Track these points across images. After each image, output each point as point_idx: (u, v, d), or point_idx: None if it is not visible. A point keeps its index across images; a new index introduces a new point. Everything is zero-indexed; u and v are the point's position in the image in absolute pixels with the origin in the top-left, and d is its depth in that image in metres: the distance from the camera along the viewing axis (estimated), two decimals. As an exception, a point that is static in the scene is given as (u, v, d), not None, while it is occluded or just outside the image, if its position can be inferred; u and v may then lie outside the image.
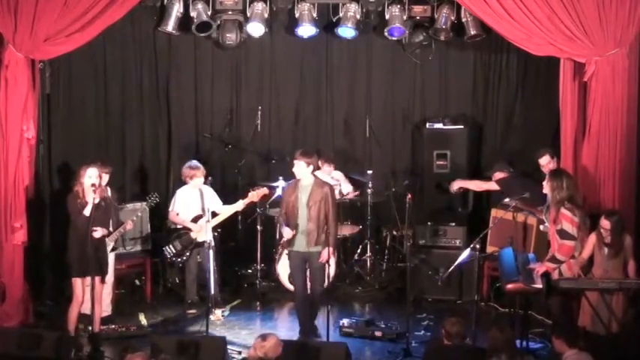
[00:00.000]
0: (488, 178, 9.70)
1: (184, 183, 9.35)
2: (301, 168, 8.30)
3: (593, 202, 8.46)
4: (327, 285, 9.30)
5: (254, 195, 9.25)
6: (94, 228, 7.94)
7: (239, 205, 9.33)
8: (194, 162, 9.38)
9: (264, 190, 9.36)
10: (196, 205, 9.21)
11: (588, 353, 6.57)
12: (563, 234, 7.72)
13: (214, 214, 9.26)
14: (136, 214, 8.97)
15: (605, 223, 7.79)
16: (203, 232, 9.06)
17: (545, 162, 8.90)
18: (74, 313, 8.11)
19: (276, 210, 10.06)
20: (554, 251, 7.83)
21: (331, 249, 8.31)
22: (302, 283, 8.47)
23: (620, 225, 7.82)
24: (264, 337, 6.54)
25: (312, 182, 8.34)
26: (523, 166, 9.75)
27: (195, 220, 9.21)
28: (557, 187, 7.81)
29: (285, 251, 9.56)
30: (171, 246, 9.25)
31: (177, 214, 9.29)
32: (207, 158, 10.27)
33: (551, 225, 7.91)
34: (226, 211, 9.34)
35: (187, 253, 9.22)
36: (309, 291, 8.51)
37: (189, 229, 9.20)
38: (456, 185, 9.74)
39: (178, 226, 9.32)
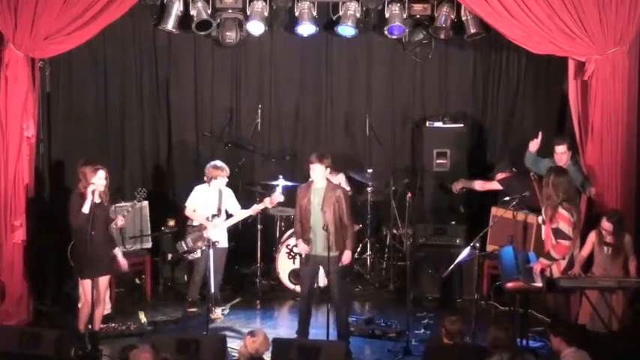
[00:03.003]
0: (490, 178, 9.69)
1: (204, 182, 9.22)
2: (320, 172, 8.17)
3: (599, 202, 8.46)
4: (327, 284, 9.33)
5: (268, 201, 9.17)
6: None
7: (253, 210, 9.33)
8: (219, 162, 9.24)
9: (280, 198, 9.27)
10: (213, 204, 9.15)
11: (586, 352, 6.57)
12: (558, 233, 7.73)
13: (228, 216, 9.26)
14: (126, 209, 8.94)
15: (606, 225, 7.81)
16: (216, 232, 9.03)
17: (561, 151, 8.76)
18: (83, 312, 8.13)
19: (277, 209, 10.06)
20: (548, 249, 7.85)
21: (350, 252, 8.24)
22: (310, 287, 8.36)
23: (620, 225, 7.83)
24: (253, 334, 6.58)
25: (325, 185, 8.21)
26: (523, 164, 9.73)
27: (210, 219, 9.15)
28: (559, 184, 7.82)
29: (285, 250, 9.59)
30: (183, 242, 9.20)
31: (194, 211, 9.25)
32: (207, 157, 10.24)
33: (547, 223, 7.92)
34: (240, 214, 9.33)
35: (198, 252, 9.18)
36: (314, 295, 8.51)
37: (204, 227, 9.17)
38: (459, 185, 9.73)
39: (194, 223, 9.29)
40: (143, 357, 6.21)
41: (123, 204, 9.17)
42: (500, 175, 9.49)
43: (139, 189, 9.03)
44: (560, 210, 7.77)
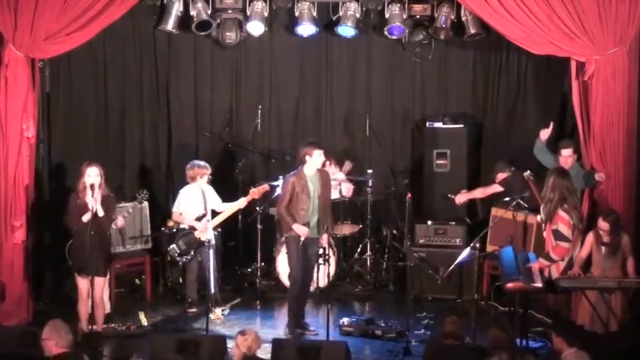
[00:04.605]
0: (491, 180, 9.67)
1: (187, 182, 9.33)
2: (323, 156, 8.50)
3: (603, 203, 8.46)
4: (327, 284, 9.35)
5: (255, 192, 9.29)
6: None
7: (241, 203, 9.35)
8: (200, 161, 9.38)
9: (265, 187, 9.39)
10: (199, 204, 9.20)
11: (586, 352, 6.57)
12: (558, 235, 7.74)
13: (216, 213, 9.29)
14: (126, 210, 8.94)
15: (603, 225, 7.81)
16: (206, 231, 9.06)
17: (567, 154, 8.77)
18: (81, 310, 8.17)
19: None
20: (548, 250, 7.86)
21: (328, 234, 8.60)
22: (300, 269, 8.53)
23: (617, 225, 7.83)
24: (243, 333, 6.61)
25: (316, 172, 8.46)
26: (523, 164, 9.73)
27: (199, 219, 9.20)
28: (558, 186, 7.83)
29: (285, 250, 9.60)
30: (175, 246, 9.25)
31: (181, 214, 9.29)
32: (207, 157, 10.23)
33: (548, 223, 7.92)
34: (228, 209, 9.35)
35: (192, 253, 9.21)
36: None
37: (194, 229, 9.20)
38: (463, 198, 9.68)
39: (182, 226, 9.33)
40: (58, 324, 6.39)
41: (123, 204, 9.19)
42: (500, 176, 9.49)
43: (140, 190, 9.11)
44: (560, 212, 7.78)
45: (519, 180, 9.12)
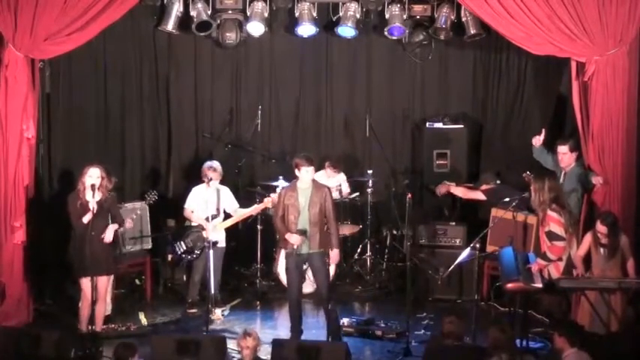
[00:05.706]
0: (475, 187, 9.67)
1: (197, 182, 9.30)
2: (311, 173, 8.26)
3: (602, 203, 8.46)
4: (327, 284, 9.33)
5: (269, 201, 9.22)
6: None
7: (255, 209, 9.36)
8: (214, 162, 9.31)
9: None
10: (212, 204, 9.14)
11: (587, 353, 6.57)
12: (551, 235, 7.78)
13: (228, 215, 9.26)
14: (135, 212, 8.93)
15: (601, 228, 7.81)
16: (215, 232, 9.03)
17: (563, 151, 8.78)
18: (83, 310, 8.17)
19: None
20: (544, 251, 7.88)
21: (337, 250, 8.32)
22: (297, 285, 8.43)
23: (615, 227, 7.84)
24: (249, 334, 6.63)
25: (311, 185, 8.27)
26: (523, 165, 9.74)
27: (209, 219, 9.16)
28: (539, 189, 7.91)
29: (283, 251, 9.59)
30: (182, 242, 9.22)
31: (192, 212, 9.27)
32: (207, 158, 10.24)
33: (540, 227, 7.95)
34: (241, 213, 9.34)
35: (197, 252, 9.19)
36: (303, 292, 8.59)
37: (202, 228, 9.18)
38: (443, 189, 9.69)
39: (192, 224, 9.31)
40: None
41: (132, 206, 9.19)
42: (484, 187, 9.50)
43: (149, 191, 9.10)
44: (549, 212, 7.85)
45: (504, 190, 9.11)
